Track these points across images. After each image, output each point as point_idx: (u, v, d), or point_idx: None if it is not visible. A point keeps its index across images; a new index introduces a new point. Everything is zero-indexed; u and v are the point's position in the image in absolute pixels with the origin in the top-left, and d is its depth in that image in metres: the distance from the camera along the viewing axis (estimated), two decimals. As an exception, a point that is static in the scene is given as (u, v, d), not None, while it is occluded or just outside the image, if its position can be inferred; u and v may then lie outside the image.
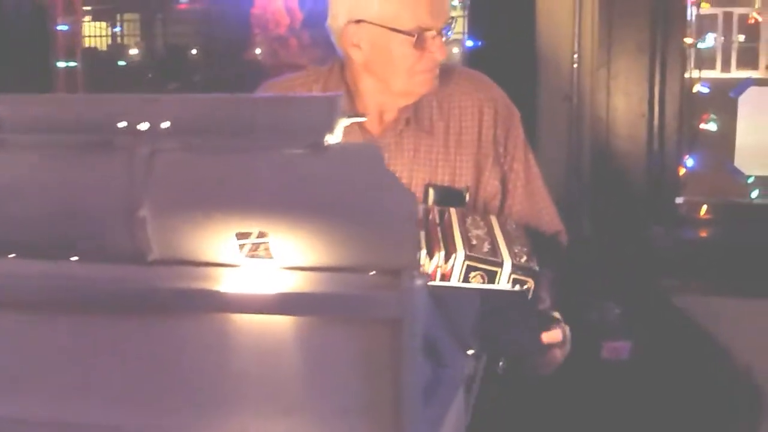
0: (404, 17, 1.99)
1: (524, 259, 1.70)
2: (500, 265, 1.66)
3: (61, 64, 3.78)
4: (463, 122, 2.12)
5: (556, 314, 1.92)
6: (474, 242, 1.72)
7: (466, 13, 3.32)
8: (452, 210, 1.86)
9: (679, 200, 3.21)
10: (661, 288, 3.05)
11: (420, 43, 1.99)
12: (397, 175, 1.98)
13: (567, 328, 1.90)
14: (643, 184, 3.12)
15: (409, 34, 1.98)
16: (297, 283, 1.15)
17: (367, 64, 2.03)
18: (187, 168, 1.17)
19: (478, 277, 1.66)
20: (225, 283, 1.16)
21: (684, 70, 3.12)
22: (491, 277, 1.66)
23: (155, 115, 1.16)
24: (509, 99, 2.22)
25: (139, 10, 4.27)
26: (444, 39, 2.02)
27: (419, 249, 1.14)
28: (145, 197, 1.16)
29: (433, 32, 1.99)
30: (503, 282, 1.66)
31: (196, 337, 1.17)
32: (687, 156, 3.20)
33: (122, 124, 1.17)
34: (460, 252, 1.66)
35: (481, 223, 1.82)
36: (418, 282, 1.11)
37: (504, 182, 2.16)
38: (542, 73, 3.11)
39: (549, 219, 2.21)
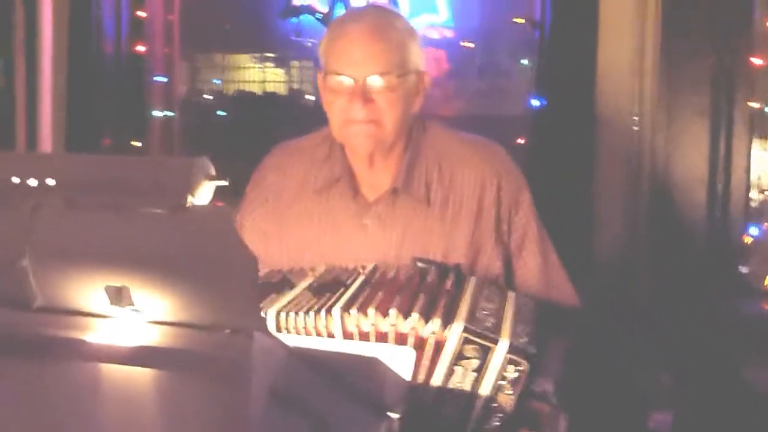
0: (328, 60, 2.01)
1: (524, 340, 1.68)
2: (496, 341, 1.65)
3: (157, 114, 3.98)
4: (464, 195, 2.06)
5: (552, 401, 1.81)
6: (479, 315, 1.71)
7: (533, 72, 3.33)
8: (473, 279, 1.86)
9: (743, 269, 3.10)
10: (719, 360, 2.94)
11: (339, 89, 1.98)
12: (386, 244, 2.03)
13: (563, 418, 1.80)
14: (702, 252, 3.02)
15: (326, 76, 2.00)
16: (154, 337, 1.21)
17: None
18: (65, 222, 1.24)
19: (473, 350, 1.65)
20: (95, 332, 1.23)
21: (751, 136, 3.03)
22: (485, 352, 1.65)
23: (42, 172, 1.25)
24: (519, 173, 2.13)
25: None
26: (380, 88, 1.97)
27: (259, 310, 1.17)
28: (28, 248, 1.24)
29: (353, 80, 1.96)
30: (498, 359, 1.65)
31: (66, 382, 1.25)
32: (753, 224, 3.09)
33: (15, 180, 1.26)
34: (459, 322, 1.66)
35: (497, 298, 1.80)
36: (260, 342, 1.15)
37: (509, 262, 2.09)
38: (601, 134, 3.07)
39: (564, 296, 2.14)
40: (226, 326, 1.19)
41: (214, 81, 4.27)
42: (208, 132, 4.16)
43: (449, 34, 3.80)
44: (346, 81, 1.97)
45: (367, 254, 2.03)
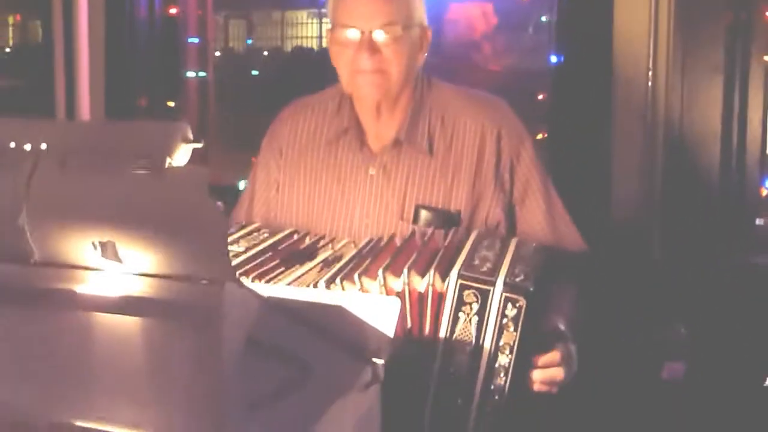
0: (336, 14, 2.11)
1: (521, 278, 1.75)
2: (492, 283, 1.73)
3: (190, 74, 4.09)
4: (465, 145, 2.14)
5: (562, 328, 1.90)
6: (476, 262, 1.79)
7: (552, 29, 3.37)
8: (475, 232, 1.96)
9: (759, 222, 3.13)
10: (734, 311, 2.99)
11: (347, 41, 2.08)
12: (390, 192, 2.12)
13: (573, 348, 1.90)
14: (718, 204, 3.06)
15: (334, 29, 2.10)
16: (138, 288, 1.32)
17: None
18: (59, 183, 1.35)
19: (471, 295, 1.74)
20: (86, 284, 1.35)
21: (767, 90, 3.05)
22: (484, 295, 1.73)
23: (36, 137, 1.35)
24: (520, 125, 2.21)
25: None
26: (386, 40, 2.06)
27: (229, 262, 1.27)
28: (25, 207, 1.35)
29: (360, 32, 2.06)
30: (496, 300, 1.73)
31: (63, 330, 1.36)
32: (770, 177, 3.12)
33: (12, 145, 1.37)
34: (455, 270, 1.75)
35: (498, 246, 1.88)
36: (231, 291, 1.25)
37: (512, 210, 2.17)
38: (617, 91, 3.12)
39: (572, 242, 2.21)
40: (202, 278, 1.29)
41: (248, 42, 4.36)
42: (241, 91, 4.27)
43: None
44: (354, 33, 2.07)
45: (372, 203, 2.14)
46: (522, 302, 1.72)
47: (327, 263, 1.91)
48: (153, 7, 3.93)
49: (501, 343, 1.74)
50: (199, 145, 1.30)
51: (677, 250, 3.08)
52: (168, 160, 1.29)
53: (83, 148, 1.35)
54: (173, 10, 3.96)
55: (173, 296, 1.30)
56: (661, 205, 3.12)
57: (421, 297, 1.77)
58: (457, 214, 2.09)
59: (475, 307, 1.74)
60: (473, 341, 1.74)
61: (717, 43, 3.00)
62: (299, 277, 1.85)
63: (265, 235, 2.06)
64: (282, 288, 1.79)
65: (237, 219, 2.31)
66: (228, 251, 1.26)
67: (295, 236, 2.07)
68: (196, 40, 4.09)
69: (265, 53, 4.29)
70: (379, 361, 1.58)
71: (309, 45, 4.22)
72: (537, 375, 1.84)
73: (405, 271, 1.75)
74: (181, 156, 1.31)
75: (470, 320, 1.74)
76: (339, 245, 2.01)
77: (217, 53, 4.27)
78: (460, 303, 1.74)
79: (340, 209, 2.16)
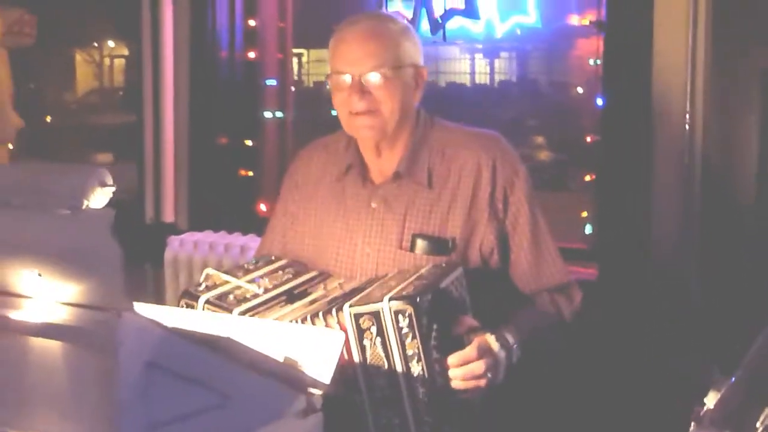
0: (332, 61, 2.24)
1: (409, 291, 1.86)
2: (379, 301, 1.85)
3: (268, 114, 4.30)
4: (462, 178, 2.22)
5: (475, 323, 1.98)
6: (371, 293, 1.92)
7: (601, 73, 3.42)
8: (393, 273, 2.07)
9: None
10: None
11: (342, 86, 2.19)
12: (390, 222, 2.24)
13: (491, 339, 1.97)
14: (755, 244, 3.04)
15: (331, 76, 2.23)
16: (59, 315, 1.48)
17: None
18: (2, 220, 1.53)
19: (367, 320, 1.85)
20: (19, 310, 1.52)
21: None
22: (376, 316, 1.84)
23: (-17, 180, 1.54)
24: (515, 158, 2.29)
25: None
26: (376, 82, 2.17)
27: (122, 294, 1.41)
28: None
29: (351, 77, 2.17)
30: (387, 317, 1.83)
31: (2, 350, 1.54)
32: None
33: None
34: (346, 305, 1.87)
35: (408, 274, 1.99)
36: (129, 320, 1.40)
37: (505, 238, 2.24)
38: (656, 131, 3.14)
39: (555, 271, 2.27)
40: (106, 307, 1.44)
41: (327, 83, 4.53)
42: (319, 129, 4.43)
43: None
44: (347, 78, 2.19)
45: (373, 234, 2.25)
46: (410, 310, 1.81)
47: (314, 302, 2.05)
48: (233, 50, 4.15)
49: (409, 354, 1.84)
50: (113, 189, 1.45)
51: (715, 290, 3.07)
52: (85, 202, 1.46)
53: (21, 188, 1.53)
54: (251, 54, 4.18)
55: (84, 324, 1.45)
56: (699, 244, 3.12)
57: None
58: (452, 241, 2.18)
59: (374, 330, 1.84)
60: (385, 362, 1.85)
61: (752, 84, 2.99)
62: (280, 317, 1.98)
63: (290, 276, 2.20)
64: (249, 321, 1.93)
65: (262, 248, 2.48)
66: (122, 284, 1.41)
67: (316, 280, 2.20)
68: (274, 82, 4.29)
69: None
70: (316, 392, 1.69)
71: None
72: (454, 372, 1.90)
73: (320, 314, 1.89)
74: (98, 198, 1.47)
75: (375, 344, 1.84)
76: (331, 285, 2.15)
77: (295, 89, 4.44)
78: (360, 331, 1.84)
79: (344, 241, 2.28)
